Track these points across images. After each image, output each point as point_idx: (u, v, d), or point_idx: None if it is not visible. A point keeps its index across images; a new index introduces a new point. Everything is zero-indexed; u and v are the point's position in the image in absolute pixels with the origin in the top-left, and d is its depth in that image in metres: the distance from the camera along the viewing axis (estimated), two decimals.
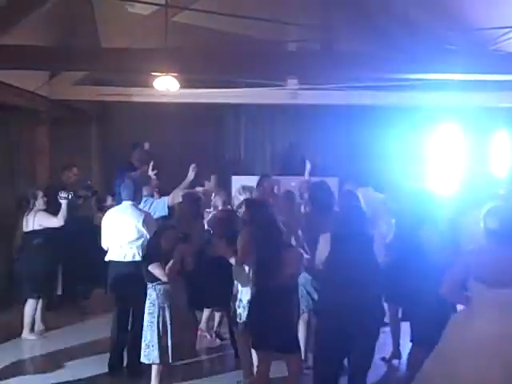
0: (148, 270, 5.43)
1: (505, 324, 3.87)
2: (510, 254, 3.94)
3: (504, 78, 8.03)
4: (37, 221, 7.18)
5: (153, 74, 8.04)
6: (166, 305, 5.42)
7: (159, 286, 5.43)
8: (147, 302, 5.49)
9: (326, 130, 11.08)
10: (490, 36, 7.77)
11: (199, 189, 7.83)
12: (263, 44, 8.60)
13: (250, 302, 5.19)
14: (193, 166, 7.56)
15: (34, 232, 7.19)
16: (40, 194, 7.35)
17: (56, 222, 7.12)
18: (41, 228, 7.19)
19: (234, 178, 10.80)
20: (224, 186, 9.88)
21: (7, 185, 8.75)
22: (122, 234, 6.20)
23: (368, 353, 4.73)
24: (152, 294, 5.46)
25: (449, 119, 10.89)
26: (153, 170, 8.68)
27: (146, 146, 9.73)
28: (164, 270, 5.35)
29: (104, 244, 6.34)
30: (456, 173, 10.89)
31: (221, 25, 8.84)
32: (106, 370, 6.12)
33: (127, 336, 6.15)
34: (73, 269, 8.36)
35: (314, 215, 6.18)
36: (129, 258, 6.13)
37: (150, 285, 5.47)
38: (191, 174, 7.48)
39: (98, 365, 6.22)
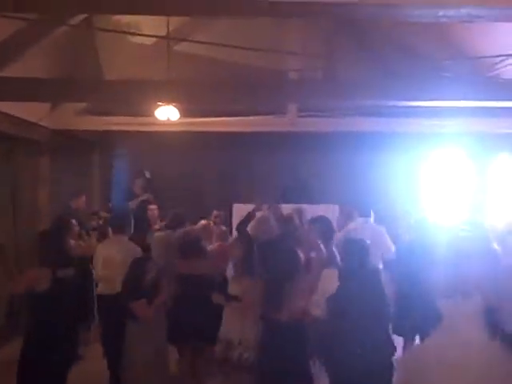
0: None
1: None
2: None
3: (501, 105, 8.13)
4: None
5: (154, 103, 8.10)
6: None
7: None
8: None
9: (325, 158, 11.11)
10: (487, 64, 7.86)
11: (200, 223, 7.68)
12: (265, 73, 8.67)
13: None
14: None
15: None
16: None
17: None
18: None
19: (235, 205, 10.82)
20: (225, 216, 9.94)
21: (8, 216, 8.73)
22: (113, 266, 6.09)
23: None
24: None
25: (449, 145, 10.91)
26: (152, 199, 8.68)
27: (147, 174, 9.77)
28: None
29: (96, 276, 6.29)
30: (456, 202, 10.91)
31: (222, 54, 8.91)
32: None
33: None
34: None
35: None
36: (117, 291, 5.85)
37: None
38: None
39: None
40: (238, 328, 5.39)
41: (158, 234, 7.15)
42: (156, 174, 10.32)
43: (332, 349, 4.46)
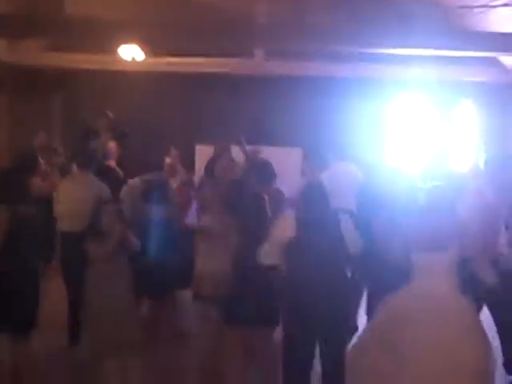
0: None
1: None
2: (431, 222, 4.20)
3: (466, 55, 8.19)
4: None
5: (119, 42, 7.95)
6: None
7: None
8: None
9: (291, 101, 11.08)
10: (456, 13, 7.86)
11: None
12: (233, 15, 8.53)
13: None
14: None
15: None
16: None
17: None
18: None
19: (198, 147, 10.78)
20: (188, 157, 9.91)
21: None
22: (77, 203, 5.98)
23: (341, 343, 4.40)
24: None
25: (412, 92, 10.96)
26: (116, 138, 8.56)
27: (110, 114, 9.58)
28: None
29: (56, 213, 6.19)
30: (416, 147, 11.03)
31: None
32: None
33: None
34: None
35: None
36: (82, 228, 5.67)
37: None
38: None
39: None
40: (210, 262, 5.28)
41: (130, 181, 7.05)
42: (119, 114, 10.15)
43: (289, 297, 4.35)
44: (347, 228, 4.43)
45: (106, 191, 6.03)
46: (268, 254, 4.38)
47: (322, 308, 4.16)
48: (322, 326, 4.18)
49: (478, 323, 4.09)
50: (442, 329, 3.93)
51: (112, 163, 8.42)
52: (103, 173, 6.77)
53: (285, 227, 4.35)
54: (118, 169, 7.94)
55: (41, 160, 6.69)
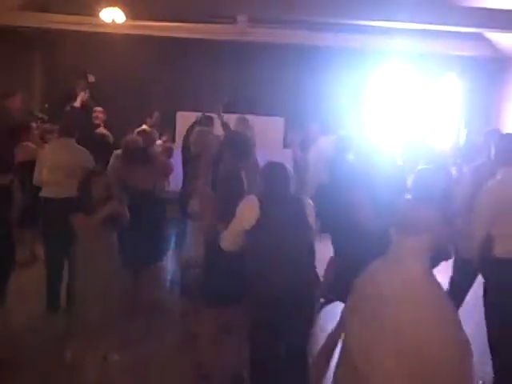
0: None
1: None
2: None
3: (453, 29, 8.16)
4: None
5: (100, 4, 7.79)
6: None
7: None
8: None
9: (274, 70, 10.98)
10: None
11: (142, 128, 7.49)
12: None
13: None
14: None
15: None
16: None
17: None
18: None
19: (179, 113, 10.69)
20: (169, 124, 9.84)
21: None
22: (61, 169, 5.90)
23: (305, 326, 4.28)
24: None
25: (397, 64, 10.92)
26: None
27: (91, 78, 9.45)
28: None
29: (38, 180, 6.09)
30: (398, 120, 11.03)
31: None
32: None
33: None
34: None
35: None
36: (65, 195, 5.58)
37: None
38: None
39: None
40: (198, 246, 5.11)
41: (116, 152, 6.92)
42: (99, 77, 10.01)
43: (252, 282, 4.17)
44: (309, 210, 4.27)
45: (91, 161, 5.91)
46: (227, 240, 4.25)
47: (286, 298, 4.04)
48: (286, 314, 4.07)
49: (449, 307, 4.16)
50: (411, 309, 3.99)
51: (102, 130, 8.34)
52: (94, 141, 6.66)
53: (248, 212, 4.14)
54: (109, 136, 7.81)
55: (34, 125, 6.53)
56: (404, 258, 4.16)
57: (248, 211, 4.11)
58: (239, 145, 5.18)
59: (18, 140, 6.74)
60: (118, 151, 6.52)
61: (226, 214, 4.29)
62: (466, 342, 4.06)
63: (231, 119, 8.17)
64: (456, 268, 5.41)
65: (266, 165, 4.45)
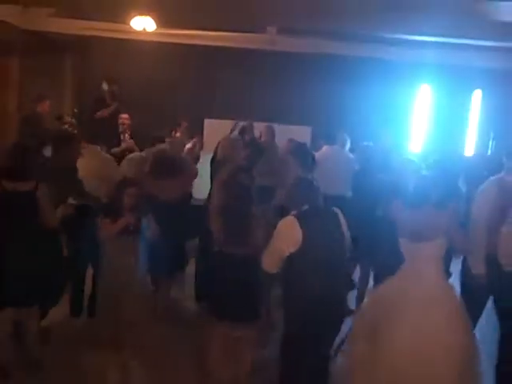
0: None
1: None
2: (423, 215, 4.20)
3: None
4: None
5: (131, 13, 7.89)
6: None
7: None
8: None
9: (304, 80, 10.99)
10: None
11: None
12: None
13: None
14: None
15: None
16: None
17: None
18: None
19: (206, 120, 10.74)
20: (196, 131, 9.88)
21: None
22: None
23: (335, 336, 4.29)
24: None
25: (427, 78, 10.84)
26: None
27: (115, 87, 9.46)
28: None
29: None
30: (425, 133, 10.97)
31: None
32: None
33: None
34: None
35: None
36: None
37: None
38: None
39: None
40: None
41: (130, 156, 6.96)
42: (127, 84, 10.09)
43: (288, 297, 4.15)
44: (343, 222, 4.24)
45: (116, 169, 5.96)
46: (269, 263, 4.12)
47: (326, 311, 4.04)
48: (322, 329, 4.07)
49: (463, 311, 4.16)
50: (429, 315, 4.01)
51: (128, 139, 8.42)
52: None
53: (289, 235, 4.04)
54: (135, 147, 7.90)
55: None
56: (419, 264, 4.17)
57: (290, 231, 4.01)
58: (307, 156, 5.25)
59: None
60: (133, 155, 6.59)
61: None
62: (476, 348, 4.11)
63: (259, 127, 8.24)
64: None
65: (299, 179, 4.44)
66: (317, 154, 7.02)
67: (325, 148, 7.46)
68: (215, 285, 4.34)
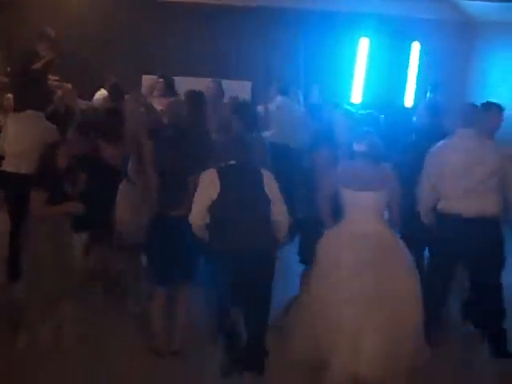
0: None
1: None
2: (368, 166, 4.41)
3: None
4: None
5: None
6: None
7: None
8: None
9: (240, 33, 10.85)
10: None
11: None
12: None
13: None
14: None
15: None
16: None
17: None
18: None
19: (144, 77, 10.51)
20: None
21: None
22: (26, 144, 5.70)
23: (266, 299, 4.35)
24: None
25: (366, 31, 10.80)
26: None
27: (52, 32, 8.94)
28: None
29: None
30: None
31: None
32: None
33: None
34: None
35: None
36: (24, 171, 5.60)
37: None
38: None
39: None
40: (132, 210, 5.20)
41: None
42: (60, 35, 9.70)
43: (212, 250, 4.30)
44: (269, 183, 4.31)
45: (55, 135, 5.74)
46: (195, 214, 4.24)
47: (250, 273, 4.16)
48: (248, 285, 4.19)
49: (411, 259, 4.42)
50: (382, 265, 4.19)
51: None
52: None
53: (210, 185, 4.21)
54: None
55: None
56: (359, 214, 4.34)
57: (209, 181, 4.18)
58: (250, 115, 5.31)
59: None
60: None
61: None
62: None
63: (203, 82, 8.04)
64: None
65: (231, 137, 4.57)
66: (270, 105, 7.15)
67: (279, 98, 7.60)
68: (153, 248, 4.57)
